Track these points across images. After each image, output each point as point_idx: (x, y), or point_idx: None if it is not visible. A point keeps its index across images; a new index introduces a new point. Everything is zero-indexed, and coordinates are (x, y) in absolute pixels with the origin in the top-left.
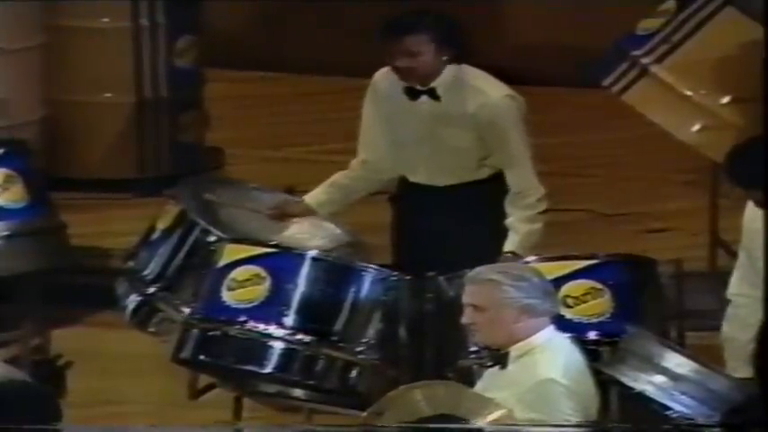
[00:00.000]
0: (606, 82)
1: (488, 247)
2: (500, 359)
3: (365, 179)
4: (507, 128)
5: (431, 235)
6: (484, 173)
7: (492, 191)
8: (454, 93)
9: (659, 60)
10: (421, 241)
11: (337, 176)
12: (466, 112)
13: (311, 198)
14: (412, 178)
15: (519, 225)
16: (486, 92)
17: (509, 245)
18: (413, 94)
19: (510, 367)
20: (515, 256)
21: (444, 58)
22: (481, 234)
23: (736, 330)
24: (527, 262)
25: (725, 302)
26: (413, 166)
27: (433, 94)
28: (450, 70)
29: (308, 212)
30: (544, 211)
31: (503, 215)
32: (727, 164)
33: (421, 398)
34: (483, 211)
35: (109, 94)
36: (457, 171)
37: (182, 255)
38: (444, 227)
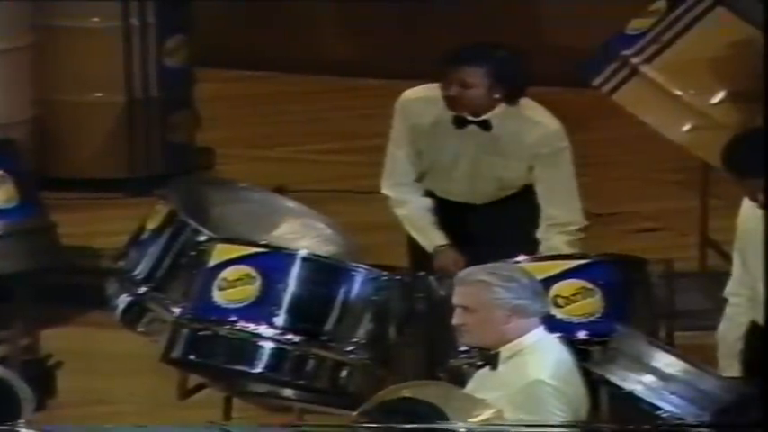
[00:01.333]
0: (596, 82)
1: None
2: (490, 360)
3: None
4: (564, 159)
5: (456, 246)
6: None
7: (522, 204)
8: (508, 123)
9: (649, 60)
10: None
11: (414, 213)
12: (522, 142)
13: (441, 239)
14: (442, 195)
15: (562, 247)
16: (544, 123)
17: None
18: (461, 122)
19: (500, 368)
20: None
21: (497, 95)
22: (510, 248)
23: (729, 329)
24: (518, 262)
25: (715, 302)
26: (446, 186)
27: (484, 125)
28: (504, 105)
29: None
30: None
31: (532, 227)
32: (726, 154)
33: (411, 398)
34: (513, 223)
35: (99, 94)
36: (493, 194)
37: (172, 255)
38: (473, 240)
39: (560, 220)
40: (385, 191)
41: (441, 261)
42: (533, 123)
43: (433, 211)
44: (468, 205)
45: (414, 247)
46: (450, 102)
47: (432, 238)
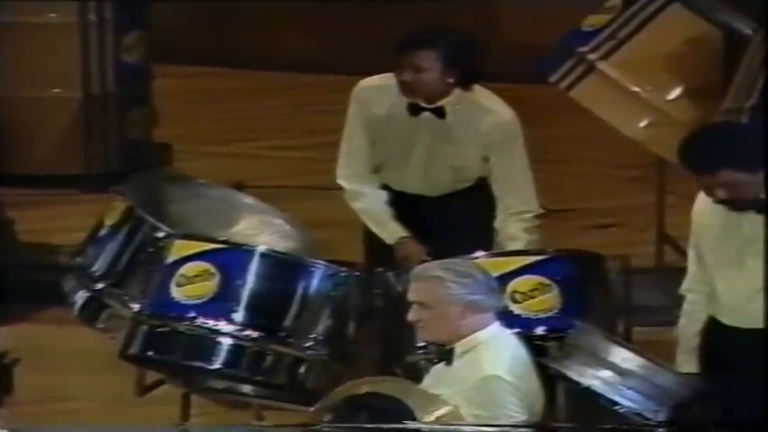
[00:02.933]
0: (553, 78)
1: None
2: (445, 355)
3: (378, 192)
4: (517, 148)
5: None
6: (472, 182)
7: (478, 198)
8: (462, 112)
9: (606, 56)
10: None
11: (372, 206)
12: (476, 130)
13: (402, 231)
14: (397, 188)
15: (521, 234)
16: (498, 111)
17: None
18: (416, 110)
19: (455, 364)
20: None
21: (451, 80)
22: (466, 241)
23: (687, 325)
24: (475, 258)
25: (672, 298)
26: (401, 177)
27: (438, 113)
28: (458, 91)
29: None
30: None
31: (488, 220)
32: (682, 150)
33: (376, 393)
34: (469, 217)
35: (56, 90)
36: (449, 184)
37: (130, 251)
38: (429, 234)
39: (516, 209)
40: (340, 181)
41: (403, 252)
42: (487, 111)
43: (389, 204)
44: (423, 198)
45: (370, 242)
46: (404, 87)
47: (392, 230)
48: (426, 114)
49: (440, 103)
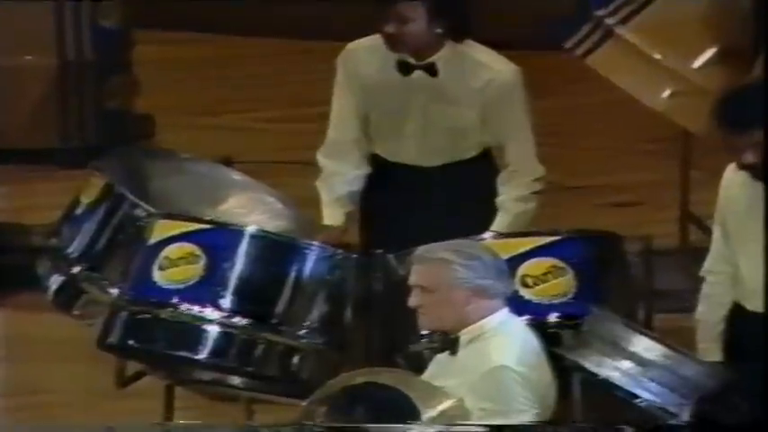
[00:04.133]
0: (569, 44)
1: (475, 230)
2: (450, 344)
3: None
4: (515, 103)
5: (412, 218)
6: (473, 151)
7: (480, 170)
8: (455, 68)
9: (625, 21)
10: (401, 225)
11: (332, 185)
12: (471, 88)
13: (335, 220)
14: (393, 159)
15: (511, 204)
16: (493, 66)
17: (497, 225)
18: (406, 68)
19: (460, 353)
20: None
21: (438, 30)
22: (468, 217)
23: (708, 310)
24: (482, 239)
25: (696, 282)
26: (397, 146)
27: (430, 70)
28: (450, 45)
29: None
30: (538, 192)
31: (492, 196)
32: (721, 107)
33: (376, 383)
34: (471, 191)
35: (29, 57)
36: (448, 151)
37: (109, 231)
38: (429, 209)
39: (514, 167)
40: (318, 156)
41: (323, 238)
42: (481, 66)
43: (356, 185)
44: (421, 170)
45: (368, 221)
46: (390, 41)
47: (327, 215)
48: (418, 73)
49: (431, 59)
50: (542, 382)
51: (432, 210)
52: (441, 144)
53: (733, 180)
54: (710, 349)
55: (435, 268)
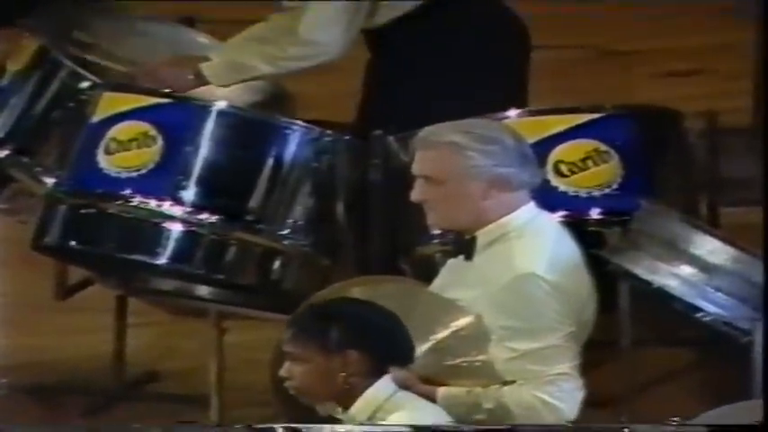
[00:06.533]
0: None
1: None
2: (465, 247)
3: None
4: None
5: (417, 89)
6: None
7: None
8: None
9: None
10: (404, 99)
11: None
12: None
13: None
14: None
15: None
16: None
17: None
18: None
19: (478, 258)
20: None
21: None
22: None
23: None
24: (504, 117)
25: None
26: None
27: None
28: None
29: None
30: None
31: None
32: None
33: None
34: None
35: None
36: None
37: (42, 105)
38: (440, 77)
39: None
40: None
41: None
42: None
43: None
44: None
45: (366, 96)
46: None
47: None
48: None
49: None
50: (579, 292)
51: (443, 78)
52: None
53: None
54: None
55: (444, 154)
